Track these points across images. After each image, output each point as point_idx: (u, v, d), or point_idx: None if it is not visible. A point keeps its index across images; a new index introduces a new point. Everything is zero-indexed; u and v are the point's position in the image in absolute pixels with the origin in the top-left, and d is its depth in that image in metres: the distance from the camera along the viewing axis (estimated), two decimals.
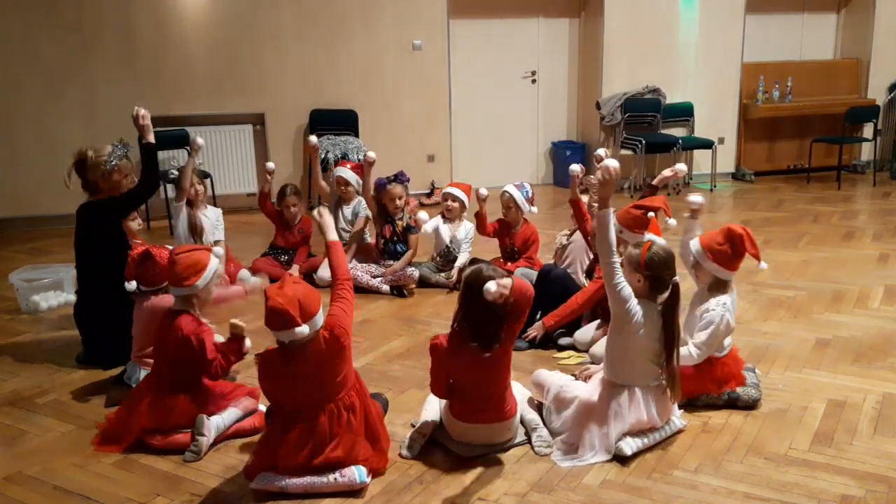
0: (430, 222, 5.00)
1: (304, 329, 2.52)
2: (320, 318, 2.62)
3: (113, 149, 3.81)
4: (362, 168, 5.25)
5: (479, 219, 4.85)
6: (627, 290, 2.85)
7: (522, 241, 4.83)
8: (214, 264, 3.08)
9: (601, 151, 4.11)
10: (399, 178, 4.97)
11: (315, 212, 2.94)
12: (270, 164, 5.29)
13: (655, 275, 2.84)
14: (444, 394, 2.88)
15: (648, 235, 3.51)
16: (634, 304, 2.84)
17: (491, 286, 2.59)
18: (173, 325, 2.96)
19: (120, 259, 3.40)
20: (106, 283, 3.57)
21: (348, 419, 2.66)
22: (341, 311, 2.71)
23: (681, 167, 4.11)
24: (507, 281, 2.65)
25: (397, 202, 4.95)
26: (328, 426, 2.62)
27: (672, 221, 3.59)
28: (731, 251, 3.10)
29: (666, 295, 2.85)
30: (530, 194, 4.80)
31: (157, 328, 3.05)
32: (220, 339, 3.60)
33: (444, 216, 5.09)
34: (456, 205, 5.03)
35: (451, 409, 2.87)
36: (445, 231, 5.06)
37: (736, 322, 3.22)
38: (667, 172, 4.07)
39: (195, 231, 4.78)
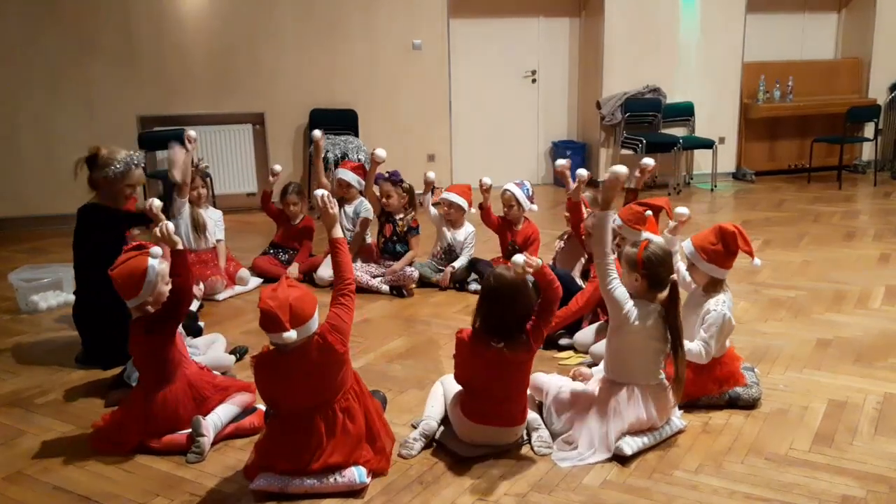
0: (432, 210, 5.03)
1: (291, 334, 2.46)
2: (314, 324, 2.56)
3: (128, 156, 3.68)
4: (363, 168, 5.25)
5: (485, 211, 4.86)
6: (621, 290, 2.86)
7: (524, 238, 4.84)
8: (153, 266, 2.95)
9: (583, 172, 4.21)
10: (392, 177, 4.96)
11: (320, 198, 2.80)
12: (277, 167, 5.30)
13: (653, 273, 2.85)
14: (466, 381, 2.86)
15: (646, 234, 3.51)
16: (630, 305, 2.85)
17: (519, 258, 2.66)
18: (134, 333, 2.97)
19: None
20: (103, 284, 3.55)
21: (344, 422, 2.63)
22: (338, 318, 2.64)
23: (647, 161, 4.34)
24: (535, 260, 2.69)
25: (384, 200, 4.94)
26: (324, 429, 2.61)
27: (672, 223, 3.56)
28: (724, 250, 3.10)
29: (665, 294, 2.84)
30: (531, 192, 4.82)
31: (129, 341, 3.02)
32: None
33: (446, 219, 5.09)
34: (454, 211, 5.02)
35: (462, 406, 2.83)
36: (447, 231, 5.06)
37: (736, 321, 3.22)
38: (637, 174, 4.31)
39: (198, 228, 4.80)
